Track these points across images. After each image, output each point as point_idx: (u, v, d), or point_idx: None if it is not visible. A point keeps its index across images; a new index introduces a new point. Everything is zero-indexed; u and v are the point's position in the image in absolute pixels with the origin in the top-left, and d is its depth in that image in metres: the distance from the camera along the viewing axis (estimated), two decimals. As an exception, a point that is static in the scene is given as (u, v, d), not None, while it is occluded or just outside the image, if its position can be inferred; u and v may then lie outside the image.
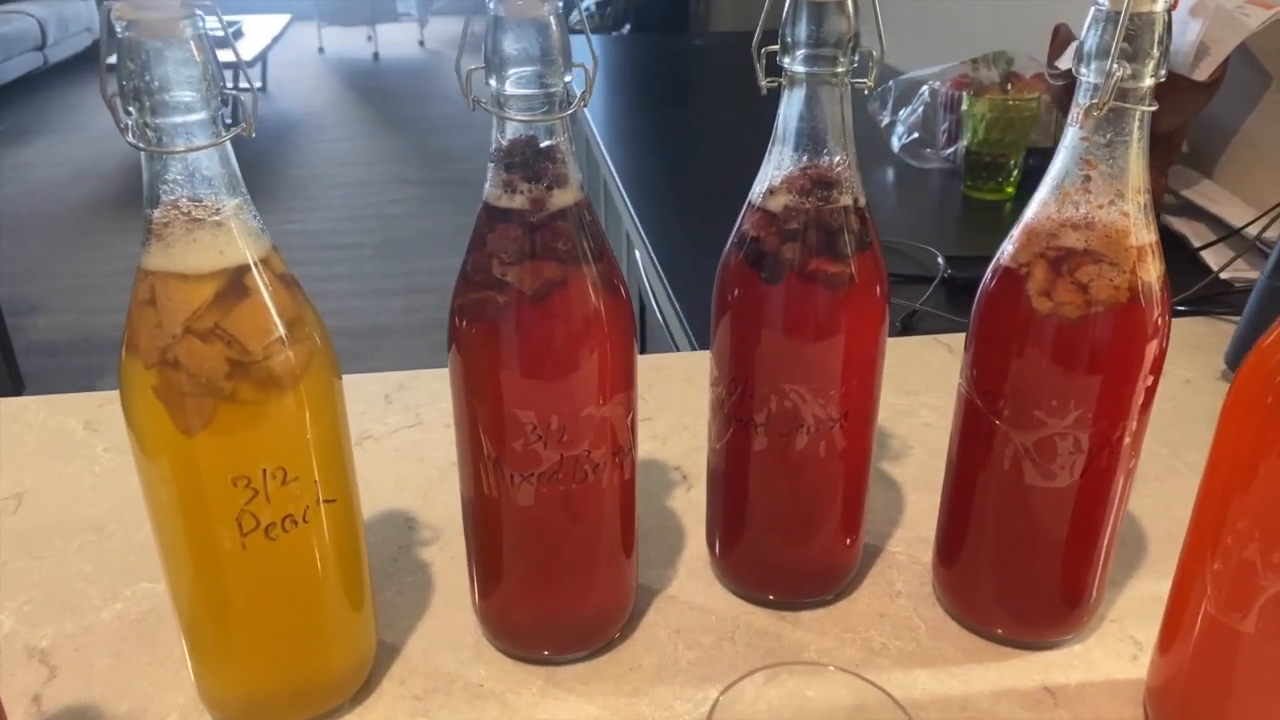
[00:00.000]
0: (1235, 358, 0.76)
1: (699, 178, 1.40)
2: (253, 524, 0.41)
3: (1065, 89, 1.00)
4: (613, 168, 1.40)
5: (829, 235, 0.46)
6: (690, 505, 0.62)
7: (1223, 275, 0.91)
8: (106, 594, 0.55)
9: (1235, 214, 1.01)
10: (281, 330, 0.40)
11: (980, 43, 1.40)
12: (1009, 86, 1.28)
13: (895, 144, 1.36)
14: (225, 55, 0.41)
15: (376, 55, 6.20)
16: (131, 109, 0.37)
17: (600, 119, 1.62)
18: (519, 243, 0.42)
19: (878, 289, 0.48)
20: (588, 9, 3.83)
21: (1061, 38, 1.10)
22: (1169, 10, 0.41)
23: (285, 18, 5.53)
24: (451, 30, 6.88)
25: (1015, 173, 1.23)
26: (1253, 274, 0.91)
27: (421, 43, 6.53)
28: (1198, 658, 0.44)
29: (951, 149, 1.30)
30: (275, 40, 5.18)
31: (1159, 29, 0.41)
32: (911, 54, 1.54)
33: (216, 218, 0.39)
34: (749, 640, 0.52)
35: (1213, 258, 0.96)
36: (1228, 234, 0.98)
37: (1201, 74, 0.99)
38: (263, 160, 4.41)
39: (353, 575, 0.46)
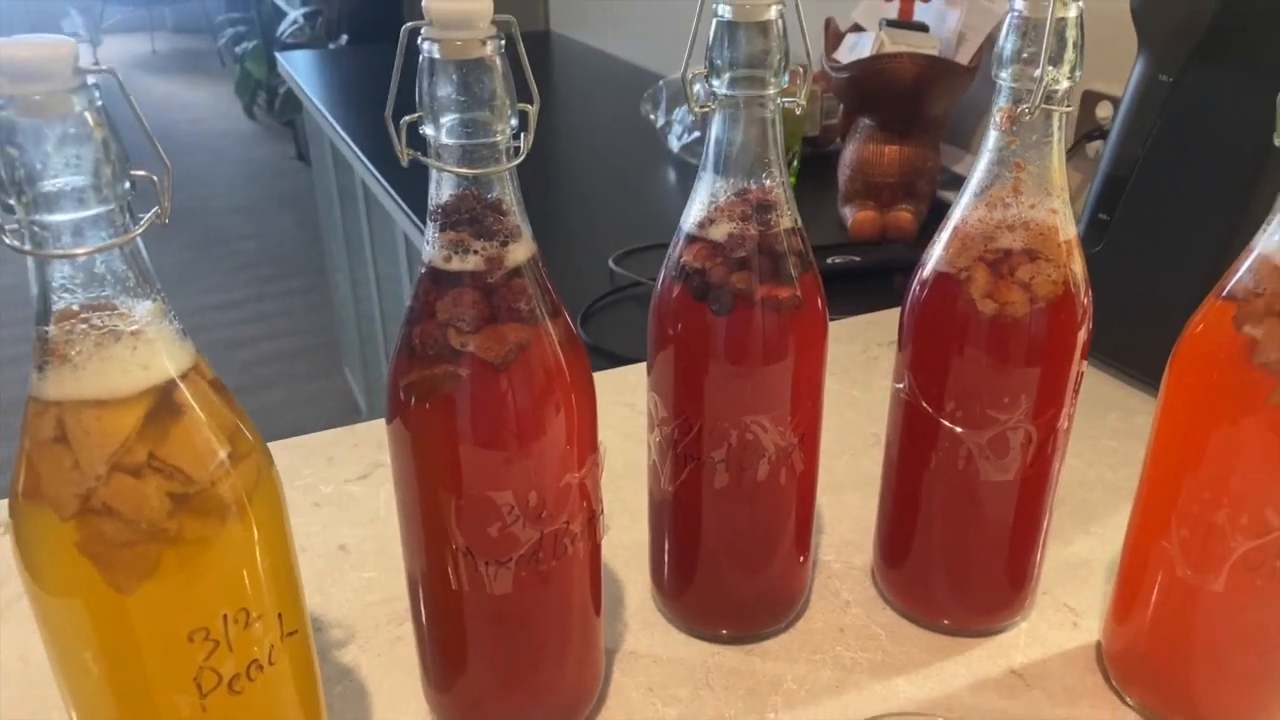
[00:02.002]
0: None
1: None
2: (214, 681, 0.34)
3: (849, 80, 1.05)
4: (378, 175, 1.33)
5: (774, 260, 0.45)
6: (615, 548, 0.59)
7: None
8: (-39, 786, 0.45)
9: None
10: (225, 447, 0.33)
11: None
12: (775, 80, 1.33)
13: (674, 144, 1.37)
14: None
15: None
16: (13, 204, 0.29)
17: (353, 130, 1.53)
18: (477, 307, 0.38)
19: (819, 305, 0.47)
20: (295, 21, 3.62)
21: (834, 32, 1.15)
22: (1081, 12, 0.43)
23: (-75, 46, 4.84)
24: (131, 49, 6.30)
25: (795, 162, 1.27)
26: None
27: (96, 63, 5.92)
28: (1160, 620, 0.46)
29: (730, 144, 1.33)
30: (-83, 73, 4.53)
31: (1074, 33, 0.42)
32: (676, 54, 1.57)
33: (134, 327, 0.32)
34: (725, 683, 0.50)
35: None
36: (1003, 204, 1.06)
37: (964, 58, 1.07)
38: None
39: (312, 705, 0.40)
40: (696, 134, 1.35)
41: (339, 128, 1.57)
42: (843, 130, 1.23)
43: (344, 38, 3.10)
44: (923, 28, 1.08)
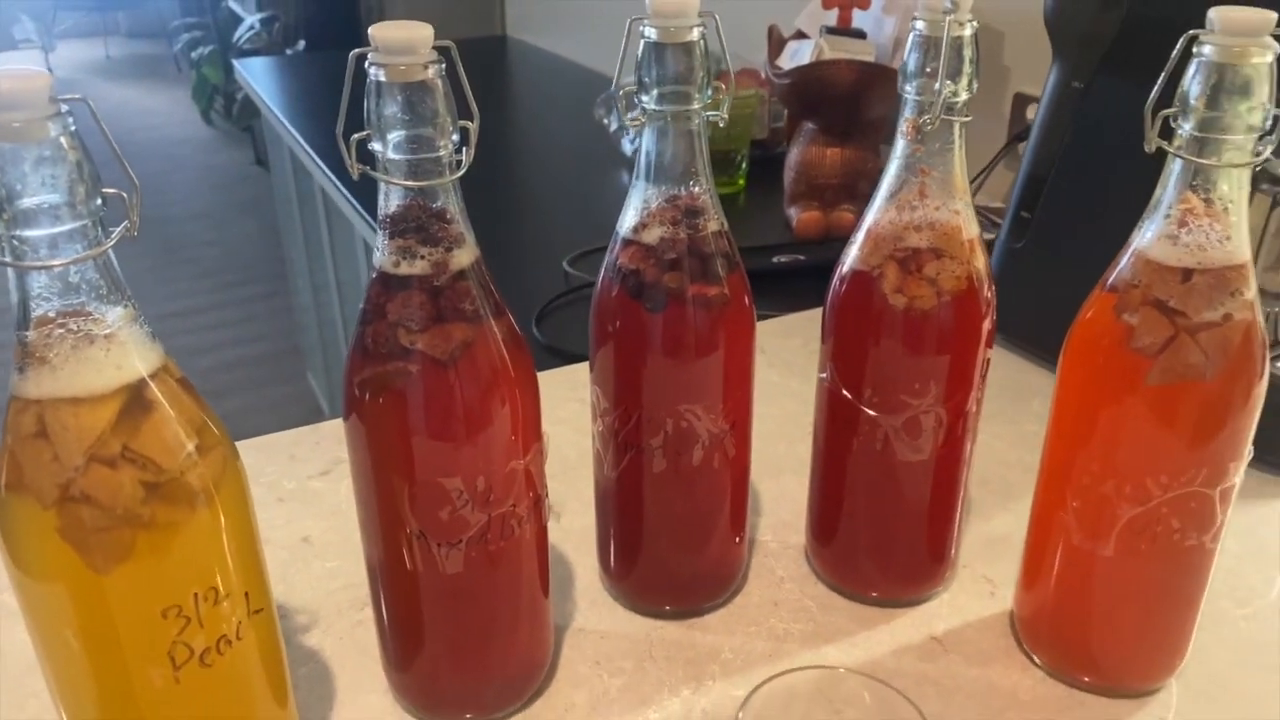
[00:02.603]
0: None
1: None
2: (186, 655, 0.37)
3: (790, 86, 1.09)
4: (336, 181, 1.35)
5: (703, 261, 0.49)
6: (566, 535, 0.63)
7: (947, 241, 1.04)
8: (-55, 768, 0.47)
9: (940, 184, 1.15)
10: (193, 440, 0.37)
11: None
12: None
13: (627, 147, 1.41)
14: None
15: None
16: (-6, 221, 0.32)
17: (311, 137, 1.55)
18: (425, 309, 0.41)
19: (747, 302, 0.51)
20: (251, 26, 3.62)
21: (776, 39, 1.19)
22: (975, 31, 0.47)
23: (-127, 54, 4.78)
24: (85, 54, 6.24)
25: (743, 165, 1.31)
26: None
27: (50, 71, 5.85)
28: (1062, 585, 0.51)
29: (681, 147, 1.37)
30: None
31: (969, 50, 0.47)
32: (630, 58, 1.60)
33: (107, 331, 0.35)
34: (668, 654, 0.54)
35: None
36: (940, 203, 1.11)
37: (895, 63, 1.11)
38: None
39: (279, 683, 0.43)
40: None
41: (297, 134, 1.59)
42: (789, 134, 1.27)
43: (301, 43, 3.11)
44: (860, 35, 1.12)
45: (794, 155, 1.14)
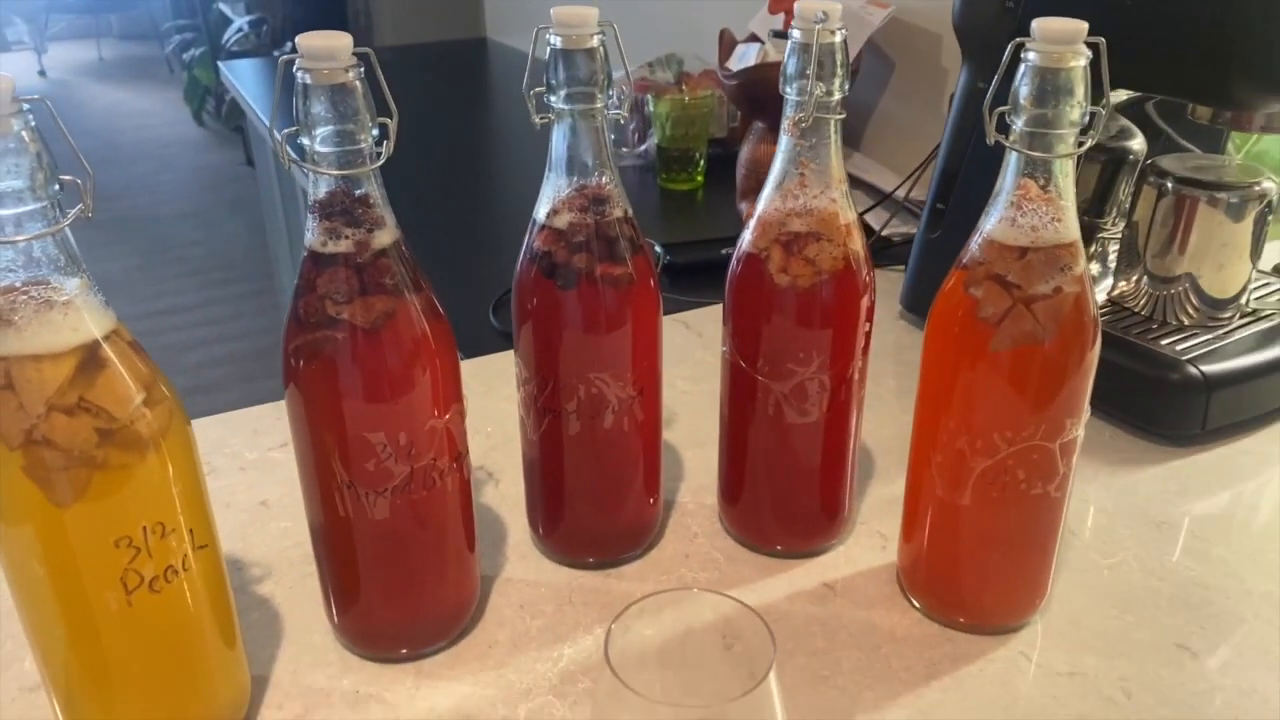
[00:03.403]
0: (909, 300, 0.93)
1: (392, 191, 1.44)
2: (137, 581, 0.43)
3: (739, 87, 1.15)
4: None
5: (609, 243, 0.54)
6: (502, 498, 0.68)
7: (884, 233, 1.10)
8: (-70, 697, 0.53)
9: (883, 179, 1.21)
10: (141, 393, 0.42)
11: (650, 47, 1.54)
12: (683, 86, 1.43)
13: (592, 145, 1.46)
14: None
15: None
16: (-34, 204, 0.38)
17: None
18: (349, 283, 0.47)
19: (651, 282, 0.57)
20: (240, 29, 3.67)
21: (727, 42, 1.25)
22: (845, 38, 0.53)
23: None
24: (77, 56, 6.28)
25: (702, 162, 1.37)
26: (906, 229, 1.10)
27: (42, 72, 5.91)
28: (933, 535, 0.56)
29: (643, 146, 1.43)
30: None
31: (840, 54, 0.52)
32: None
33: (64, 298, 0.40)
34: (585, 599, 0.60)
35: (873, 219, 1.15)
36: (882, 198, 1.17)
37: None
38: None
39: (225, 614, 0.49)
40: (612, 136, 1.44)
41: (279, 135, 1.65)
42: (743, 133, 1.33)
43: (288, 45, 3.16)
44: (806, 38, 1.18)
45: (745, 152, 1.20)
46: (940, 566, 0.57)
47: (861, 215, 1.14)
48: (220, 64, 2.22)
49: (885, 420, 0.77)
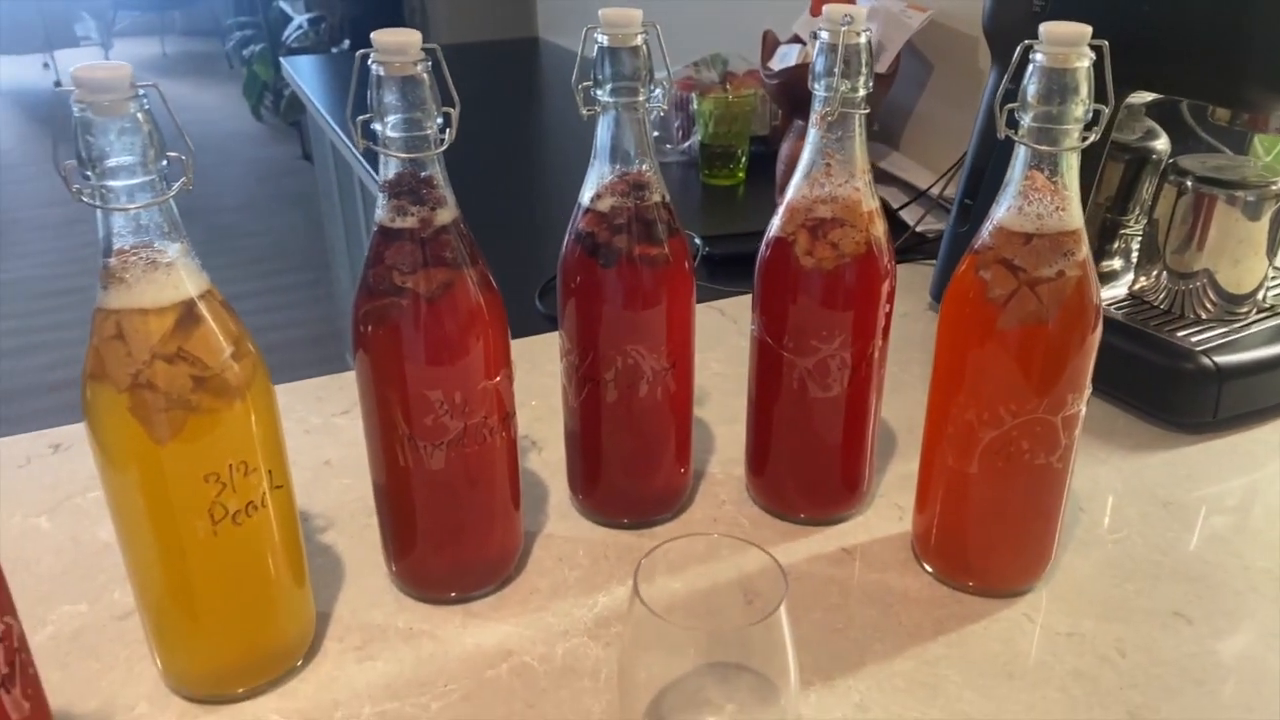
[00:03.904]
0: (938, 292, 0.97)
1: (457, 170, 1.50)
2: (222, 513, 0.49)
3: (780, 86, 1.19)
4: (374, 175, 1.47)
5: (647, 226, 0.59)
6: (545, 464, 0.74)
7: (919, 229, 1.13)
8: (33, 621, 0.59)
9: (920, 178, 1.24)
10: (230, 347, 0.48)
11: (697, 47, 1.58)
12: (728, 85, 1.47)
13: (638, 141, 1.51)
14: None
15: (58, 83, 5.73)
16: (89, 174, 0.44)
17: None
18: (413, 255, 0.52)
19: (686, 264, 0.61)
20: (300, 26, 3.77)
21: (770, 43, 1.29)
22: (870, 39, 0.57)
23: (-55, 50, 5.02)
24: (141, 52, 6.47)
25: (744, 159, 1.42)
26: (940, 225, 1.13)
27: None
28: (943, 503, 0.61)
29: (687, 143, 1.48)
30: (-62, 75, 4.70)
31: (864, 54, 0.57)
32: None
33: (167, 260, 0.46)
34: (619, 555, 0.65)
35: (908, 215, 1.18)
36: (917, 195, 1.21)
37: (881, 67, 1.21)
38: (-54, 208, 4.02)
39: (295, 550, 0.55)
40: (656, 133, 1.49)
41: (339, 129, 1.72)
42: (784, 130, 1.38)
43: (346, 43, 3.25)
44: (846, 39, 1.22)
45: (784, 149, 1.24)
46: (950, 532, 0.61)
47: (896, 211, 1.19)
48: (282, 60, 2.31)
49: (910, 403, 0.81)
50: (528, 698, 0.54)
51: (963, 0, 1.20)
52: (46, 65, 5.83)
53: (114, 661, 0.56)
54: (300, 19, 3.87)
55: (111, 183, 0.44)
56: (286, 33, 3.97)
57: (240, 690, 0.54)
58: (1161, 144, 0.86)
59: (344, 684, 0.55)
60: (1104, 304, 0.83)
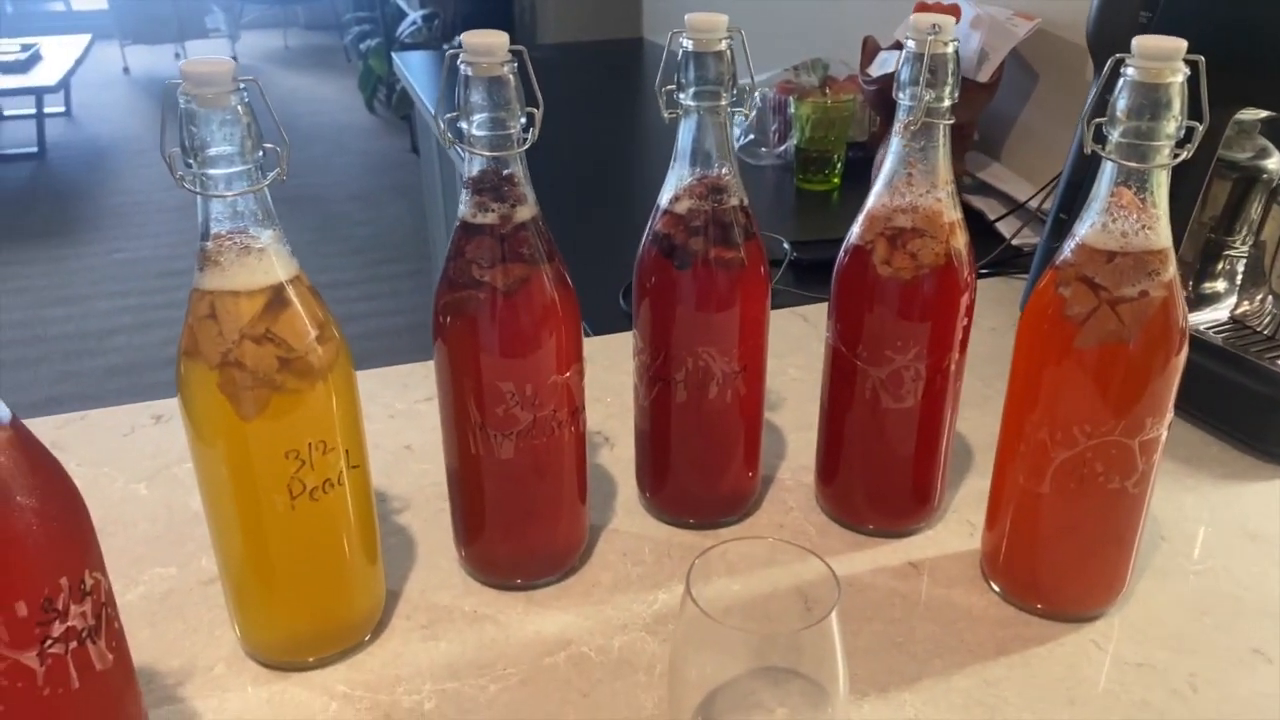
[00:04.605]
0: (1027, 307, 0.95)
1: (547, 180, 1.52)
2: (300, 488, 0.51)
3: (878, 92, 1.18)
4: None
5: (724, 229, 0.60)
6: (615, 460, 0.75)
7: (1014, 242, 1.11)
8: (126, 581, 0.63)
9: (1020, 190, 1.22)
10: (315, 331, 0.50)
11: (798, 51, 1.58)
12: (827, 90, 1.46)
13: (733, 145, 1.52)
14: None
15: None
16: (191, 163, 0.46)
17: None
18: (492, 251, 0.54)
19: (762, 268, 0.62)
20: (414, 22, 3.87)
21: (870, 48, 1.28)
22: (957, 49, 0.56)
23: (85, 38, 5.29)
24: (265, 44, 6.73)
25: (839, 165, 1.40)
26: (1037, 239, 1.11)
27: (234, 58, 6.33)
28: (1013, 523, 0.59)
29: (783, 147, 1.47)
30: (78, 63, 4.96)
31: (950, 64, 0.56)
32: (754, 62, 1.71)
33: (260, 245, 0.49)
34: (682, 555, 0.65)
35: (1005, 228, 1.16)
36: (1015, 207, 1.18)
37: (984, 76, 1.18)
38: (79, 189, 4.26)
39: (369, 529, 0.57)
40: (751, 136, 1.49)
41: (444, 124, 1.76)
42: (881, 137, 1.36)
43: (457, 40, 3.33)
44: (948, 47, 1.20)
45: (881, 155, 1.23)
46: (1019, 552, 0.60)
47: (992, 223, 1.16)
48: (394, 55, 2.38)
49: (992, 419, 0.78)
50: (582, 687, 0.55)
51: (1072, 9, 1.16)
52: (178, 55, 6.10)
53: (197, 624, 0.60)
54: (415, 15, 3.98)
55: (211, 171, 0.47)
56: (401, 28, 4.08)
57: (311, 659, 0.56)
58: (1274, 163, 0.83)
59: (408, 660, 0.57)
60: (1203, 327, 0.81)
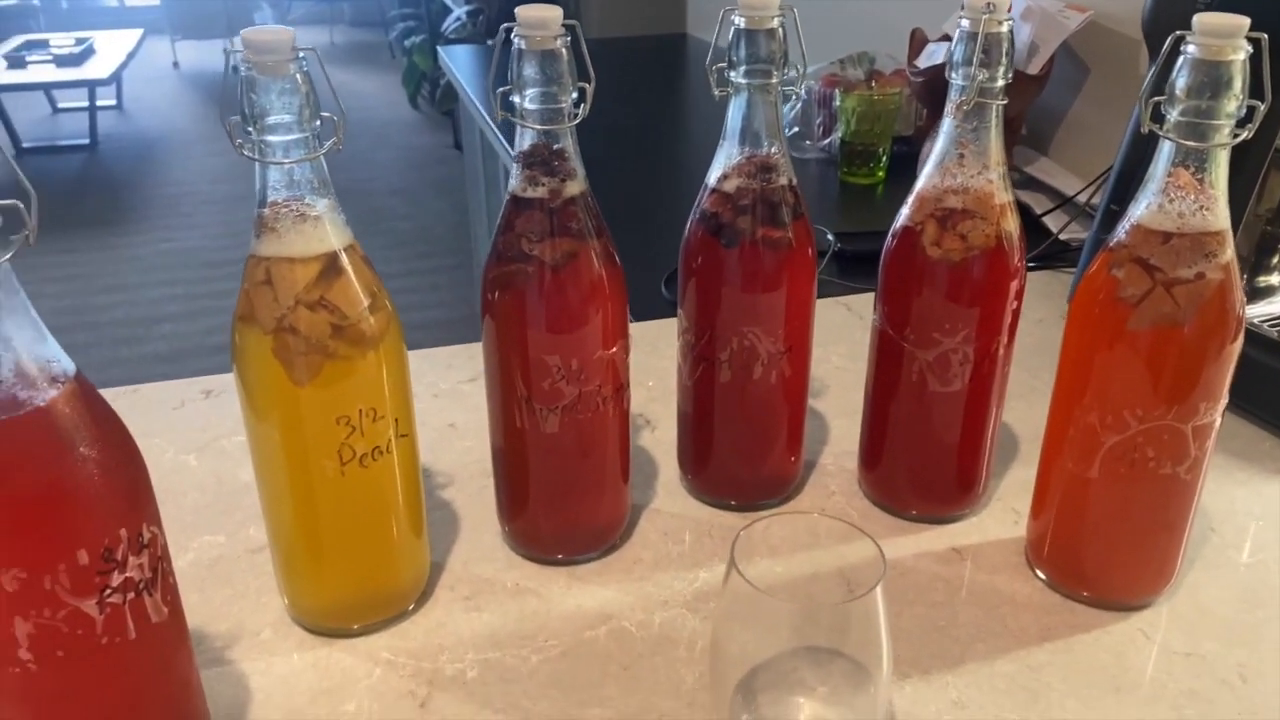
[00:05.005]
0: (1075, 299, 0.93)
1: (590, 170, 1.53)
2: (350, 455, 0.52)
3: (925, 85, 1.17)
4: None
5: (772, 208, 0.60)
6: (657, 442, 0.75)
7: (1061, 236, 1.10)
8: (176, 548, 0.64)
9: (1068, 184, 1.20)
10: (367, 300, 0.51)
11: (844, 44, 1.57)
12: (873, 83, 1.45)
13: (777, 138, 1.51)
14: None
15: (236, 68, 6.08)
16: (250, 130, 0.47)
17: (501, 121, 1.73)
18: (541, 225, 0.54)
19: (809, 249, 0.62)
20: (459, 18, 3.90)
21: (918, 41, 1.27)
22: (1011, 29, 0.56)
23: (137, 33, 5.39)
24: (312, 38, 6.78)
25: (884, 159, 1.39)
26: (1084, 234, 1.09)
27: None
28: (1060, 509, 0.59)
29: (827, 140, 1.47)
30: (130, 57, 5.05)
31: (1005, 44, 0.56)
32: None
33: (316, 213, 0.49)
34: (722, 535, 0.65)
35: (1052, 222, 1.15)
36: (1063, 201, 1.17)
37: (1034, 68, 1.17)
38: (129, 180, 4.33)
39: (415, 498, 0.57)
40: (796, 128, 1.49)
41: (488, 118, 1.78)
42: (927, 131, 1.35)
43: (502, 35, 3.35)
44: (998, 39, 1.19)
45: (926, 149, 1.22)
46: (1066, 538, 0.59)
47: (1039, 217, 1.15)
48: (439, 49, 2.39)
49: (1038, 410, 0.78)
50: (623, 660, 0.55)
51: (1126, 1, 1.15)
52: (226, 50, 6.19)
53: (245, 590, 0.61)
54: (459, 11, 4.01)
55: (270, 138, 0.48)
56: (446, 24, 4.12)
57: (356, 626, 0.57)
58: (1333, 155, 0.81)
59: (451, 630, 0.57)
60: (1260, 320, 0.79)
